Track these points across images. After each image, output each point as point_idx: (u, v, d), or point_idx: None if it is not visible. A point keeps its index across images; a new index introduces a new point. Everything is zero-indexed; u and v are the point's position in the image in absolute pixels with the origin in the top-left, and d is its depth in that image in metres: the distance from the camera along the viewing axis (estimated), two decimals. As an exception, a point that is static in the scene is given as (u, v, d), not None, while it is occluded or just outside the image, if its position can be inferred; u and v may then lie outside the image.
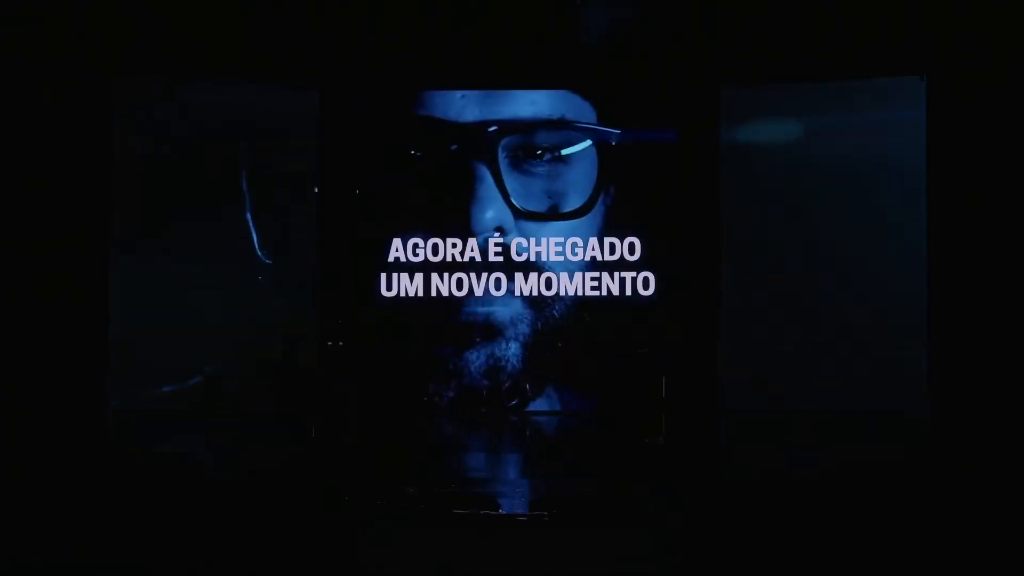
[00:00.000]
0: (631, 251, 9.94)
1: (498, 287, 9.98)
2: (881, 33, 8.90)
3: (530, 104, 10.06)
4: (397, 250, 9.98)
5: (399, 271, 10.05)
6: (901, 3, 8.44)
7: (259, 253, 9.62)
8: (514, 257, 9.94)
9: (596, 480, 6.71)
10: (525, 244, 10.03)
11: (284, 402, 7.30)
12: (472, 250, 10.05)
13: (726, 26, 8.97)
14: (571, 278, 10.01)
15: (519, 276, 9.95)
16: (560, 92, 10.00)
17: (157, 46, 9.10)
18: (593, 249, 10.00)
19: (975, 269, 8.76)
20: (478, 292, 9.99)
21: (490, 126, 10.14)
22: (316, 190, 9.85)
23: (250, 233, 9.70)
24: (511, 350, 9.88)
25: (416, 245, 10.04)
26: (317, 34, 9.14)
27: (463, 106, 10.08)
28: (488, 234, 10.03)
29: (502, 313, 9.95)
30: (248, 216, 9.70)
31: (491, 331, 9.92)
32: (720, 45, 9.35)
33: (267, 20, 8.85)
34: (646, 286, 9.94)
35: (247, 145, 9.71)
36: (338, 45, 9.43)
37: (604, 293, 9.97)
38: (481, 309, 9.94)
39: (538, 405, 9.87)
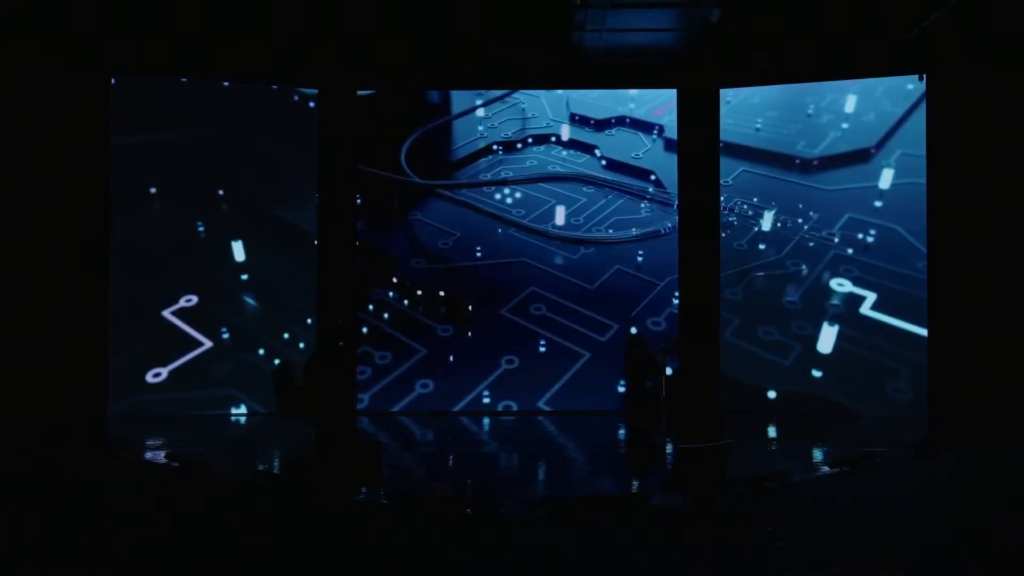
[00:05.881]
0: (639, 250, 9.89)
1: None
2: (881, 33, 8.93)
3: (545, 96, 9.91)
4: (400, 248, 9.82)
5: (404, 269, 9.92)
6: (901, 3, 8.47)
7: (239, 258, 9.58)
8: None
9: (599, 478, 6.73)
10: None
11: (285, 402, 7.29)
12: (484, 248, 9.70)
13: (726, 26, 8.99)
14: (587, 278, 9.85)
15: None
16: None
17: (156, 44, 9.12)
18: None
19: (975, 268, 8.78)
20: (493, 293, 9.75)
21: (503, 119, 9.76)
22: (316, 189, 9.85)
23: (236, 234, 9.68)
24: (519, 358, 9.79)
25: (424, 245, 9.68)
26: (317, 34, 9.16)
27: (471, 98, 9.99)
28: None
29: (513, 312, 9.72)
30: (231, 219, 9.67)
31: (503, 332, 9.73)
32: (720, 46, 9.38)
33: (267, 20, 8.87)
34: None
35: (246, 143, 9.73)
36: (338, 45, 9.45)
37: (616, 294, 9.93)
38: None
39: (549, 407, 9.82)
